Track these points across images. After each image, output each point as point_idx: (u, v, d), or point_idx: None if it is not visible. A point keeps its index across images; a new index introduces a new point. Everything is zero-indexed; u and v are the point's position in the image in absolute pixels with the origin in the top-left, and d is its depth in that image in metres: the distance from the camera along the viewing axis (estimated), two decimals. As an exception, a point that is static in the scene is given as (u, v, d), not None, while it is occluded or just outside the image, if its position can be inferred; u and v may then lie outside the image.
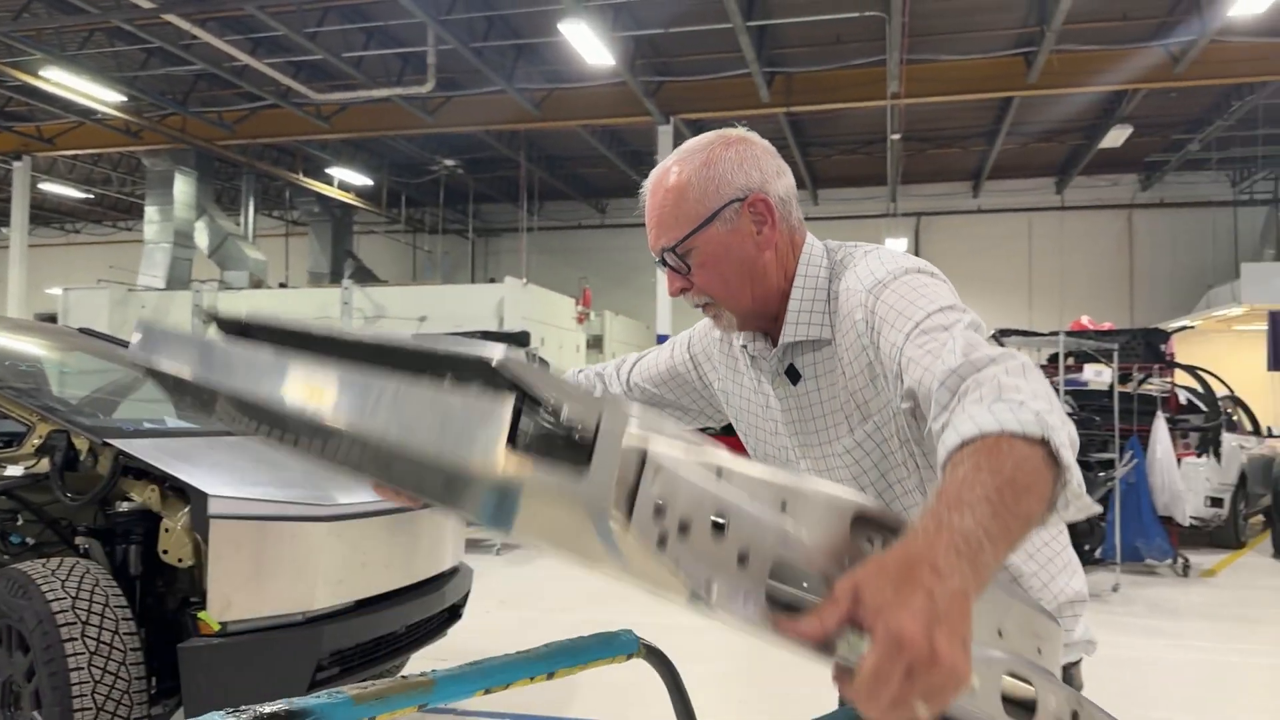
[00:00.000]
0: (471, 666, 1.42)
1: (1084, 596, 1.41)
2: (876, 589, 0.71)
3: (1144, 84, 12.54)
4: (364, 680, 3.30)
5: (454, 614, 3.94)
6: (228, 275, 16.90)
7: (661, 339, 11.13)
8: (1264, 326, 14.61)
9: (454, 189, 20.35)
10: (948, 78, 12.64)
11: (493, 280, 17.07)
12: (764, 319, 1.43)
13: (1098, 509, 1.01)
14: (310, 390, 0.88)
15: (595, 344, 15.19)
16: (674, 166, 1.38)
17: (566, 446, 0.62)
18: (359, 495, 3.32)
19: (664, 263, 1.38)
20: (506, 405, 0.65)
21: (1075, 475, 0.94)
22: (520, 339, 10.20)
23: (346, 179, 18.39)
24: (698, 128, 14.01)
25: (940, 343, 1.15)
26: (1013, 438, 0.93)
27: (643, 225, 1.41)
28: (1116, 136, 14.54)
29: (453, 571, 3.92)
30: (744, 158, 1.36)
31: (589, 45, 10.98)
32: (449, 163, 18.25)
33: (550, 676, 1.54)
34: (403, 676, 1.33)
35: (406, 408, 0.74)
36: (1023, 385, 1.00)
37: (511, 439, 0.64)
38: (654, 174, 1.40)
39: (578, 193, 20.39)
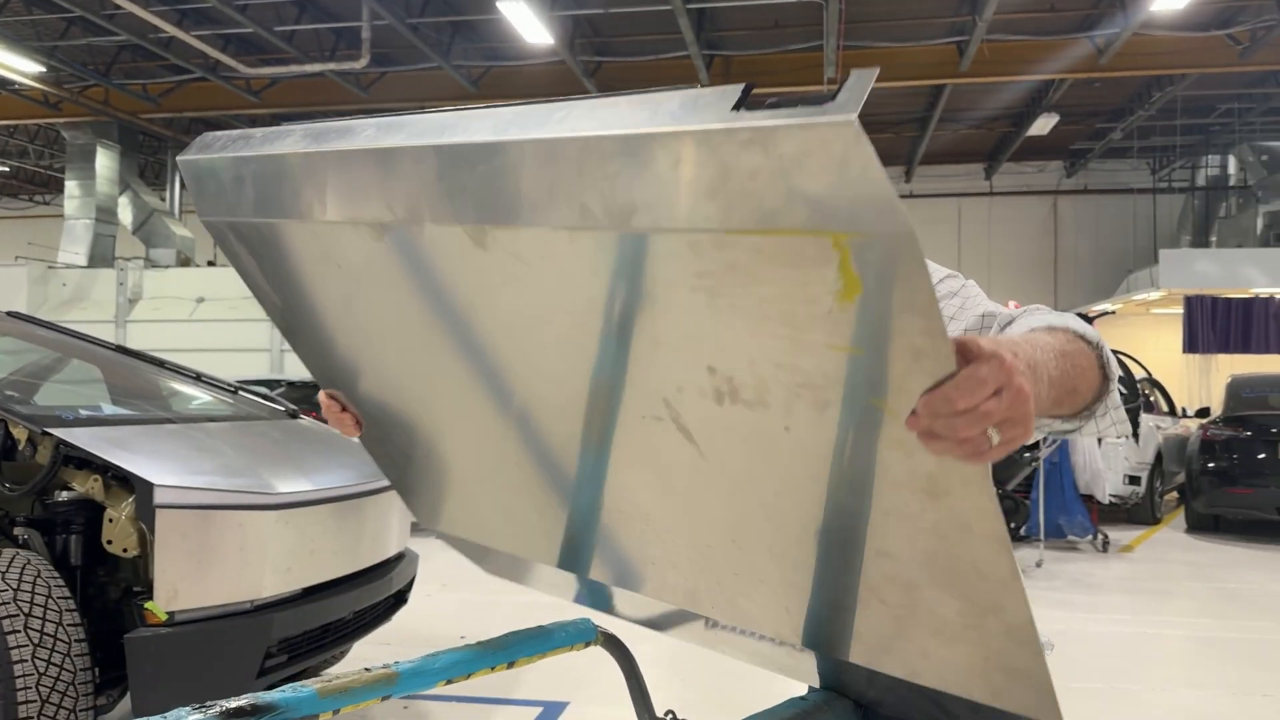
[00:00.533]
0: (433, 658, 1.45)
1: None
2: (979, 340, 0.77)
3: (1070, 74, 12.89)
4: (309, 667, 3.27)
5: (400, 599, 3.95)
6: (153, 253, 16.41)
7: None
8: (1180, 310, 15.17)
9: (388, 166, 19.99)
10: (883, 64, 12.82)
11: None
12: None
13: (1129, 429, 1.12)
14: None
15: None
16: None
17: (802, 100, 0.61)
18: (305, 483, 3.31)
19: None
20: (735, 90, 0.64)
21: (1116, 392, 1.05)
22: None
23: (277, 155, 17.96)
24: (636, 109, 14.02)
25: (957, 306, 1.26)
26: (1076, 335, 1.03)
27: None
28: (1043, 125, 14.92)
29: (399, 557, 3.94)
30: None
31: (527, 23, 10.89)
32: (384, 140, 17.93)
33: (511, 665, 1.59)
34: (365, 669, 1.36)
35: (613, 112, 0.71)
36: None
37: (742, 106, 0.63)
38: None
39: (515, 172, 20.18)
